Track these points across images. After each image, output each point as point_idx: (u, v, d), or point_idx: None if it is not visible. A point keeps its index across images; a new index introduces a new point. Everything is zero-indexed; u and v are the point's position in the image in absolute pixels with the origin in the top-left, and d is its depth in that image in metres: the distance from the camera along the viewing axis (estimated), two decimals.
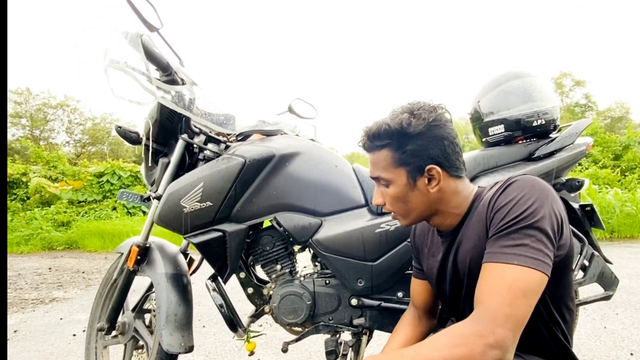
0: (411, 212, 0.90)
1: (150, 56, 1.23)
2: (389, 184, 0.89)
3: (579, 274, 1.37)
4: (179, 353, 1.31)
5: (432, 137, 0.85)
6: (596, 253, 1.38)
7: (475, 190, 0.91)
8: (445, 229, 0.93)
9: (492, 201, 0.81)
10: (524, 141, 1.40)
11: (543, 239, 0.73)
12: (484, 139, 1.46)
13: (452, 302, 0.96)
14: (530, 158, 1.38)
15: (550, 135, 1.42)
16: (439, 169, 0.85)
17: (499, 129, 1.39)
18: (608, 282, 1.39)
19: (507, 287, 0.69)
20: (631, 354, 1.97)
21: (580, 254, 1.36)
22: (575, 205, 1.40)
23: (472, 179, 1.36)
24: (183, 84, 1.34)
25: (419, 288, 1.08)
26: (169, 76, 1.31)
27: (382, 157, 0.88)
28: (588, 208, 1.42)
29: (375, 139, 0.88)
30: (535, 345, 0.83)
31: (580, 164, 9.21)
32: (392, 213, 0.93)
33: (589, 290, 1.48)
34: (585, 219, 1.42)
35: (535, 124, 1.36)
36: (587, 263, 1.37)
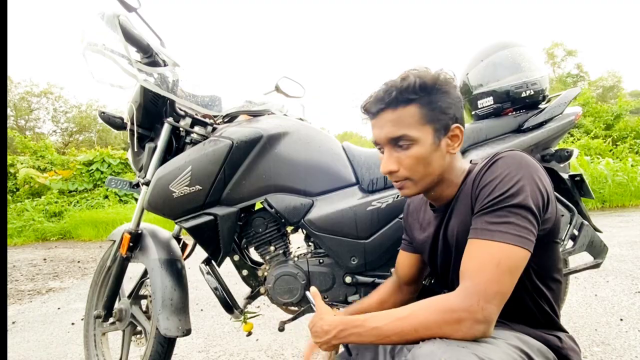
0: (427, 176, 0.85)
1: (130, 37, 1.19)
2: (412, 144, 0.82)
3: (568, 244, 1.39)
4: (177, 336, 1.32)
5: (455, 97, 0.85)
6: (585, 222, 1.39)
7: (469, 166, 0.91)
8: (440, 202, 0.93)
9: (478, 177, 0.81)
10: (514, 113, 1.40)
11: (528, 216, 0.74)
12: (473, 112, 1.45)
13: (442, 275, 0.98)
14: (519, 130, 1.38)
15: (540, 106, 1.41)
16: (462, 128, 0.86)
17: (488, 101, 1.38)
18: (597, 250, 1.41)
19: (495, 265, 0.71)
20: (621, 320, 2.03)
21: (570, 223, 1.37)
22: (565, 176, 1.41)
23: (463, 153, 1.35)
24: (165, 65, 1.30)
25: (405, 260, 1.10)
26: (150, 58, 1.28)
27: (410, 113, 0.81)
28: (577, 178, 1.43)
29: (407, 92, 0.80)
30: (521, 315, 0.84)
31: (571, 135, 9.27)
32: (401, 182, 0.87)
33: (579, 259, 1.51)
34: (574, 189, 1.43)
35: (524, 94, 1.35)
36: (576, 232, 1.39)
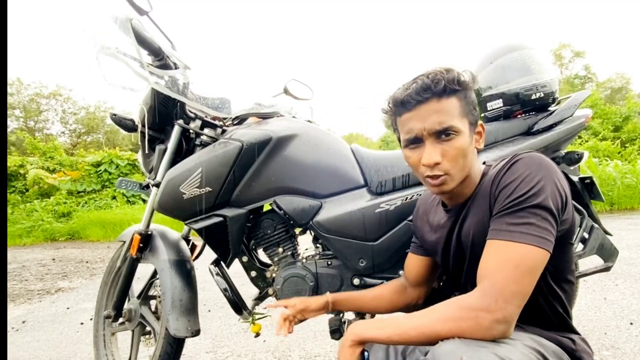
0: (464, 170, 0.84)
1: (142, 41, 1.20)
2: (456, 135, 0.81)
3: (578, 247, 1.38)
4: (186, 337, 1.33)
5: (474, 97, 0.88)
6: (596, 225, 1.38)
7: (483, 168, 0.91)
8: (455, 202, 0.93)
9: (498, 178, 0.81)
10: (523, 115, 1.39)
11: (548, 217, 0.73)
12: (482, 115, 1.45)
13: (454, 276, 0.98)
14: (529, 132, 1.37)
15: (549, 108, 1.40)
16: (484, 125, 0.88)
17: (498, 103, 1.38)
18: (608, 253, 1.40)
19: (515, 265, 0.70)
20: (631, 324, 2.00)
21: (580, 226, 1.36)
22: (575, 178, 1.40)
23: None
24: (176, 68, 1.32)
25: (414, 262, 1.11)
26: (162, 61, 1.29)
27: (453, 105, 0.81)
28: (587, 180, 1.42)
29: (453, 83, 0.80)
30: (535, 317, 0.84)
31: (580, 137, 9.19)
32: (441, 176, 0.83)
33: (589, 262, 1.50)
34: (584, 192, 1.42)
35: (533, 97, 1.34)
36: (586, 235, 1.38)
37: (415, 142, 0.85)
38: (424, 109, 0.81)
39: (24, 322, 2.83)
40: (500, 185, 0.80)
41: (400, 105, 0.85)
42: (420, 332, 0.73)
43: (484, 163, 0.94)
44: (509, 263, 0.71)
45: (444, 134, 0.81)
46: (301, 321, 1.19)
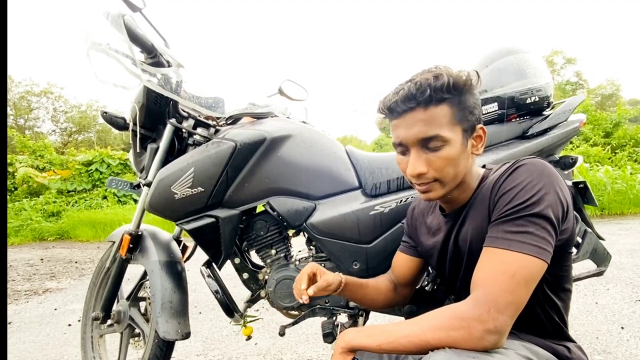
0: (455, 178, 0.82)
1: (134, 38, 1.18)
2: (444, 145, 0.78)
3: (572, 251, 1.38)
4: (176, 340, 1.30)
5: (478, 98, 0.83)
6: (589, 230, 1.38)
7: (483, 171, 0.89)
8: (452, 206, 0.91)
9: (498, 184, 0.79)
10: (518, 119, 1.39)
11: (547, 226, 0.71)
12: None
13: (450, 282, 0.96)
14: (524, 136, 1.37)
15: (544, 113, 1.40)
16: (485, 129, 0.84)
17: (493, 107, 1.37)
18: (601, 258, 1.40)
19: (511, 275, 0.69)
20: (622, 328, 2.02)
21: None
22: (569, 183, 1.40)
23: None
24: (169, 66, 1.30)
25: (403, 262, 1.10)
26: (154, 58, 1.27)
27: (442, 113, 0.77)
28: (581, 185, 1.42)
29: (441, 91, 0.76)
30: (530, 325, 0.83)
31: (571, 142, 9.28)
32: (428, 184, 0.82)
33: (581, 267, 1.50)
34: (578, 196, 1.42)
35: (529, 101, 1.34)
36: (580, 240, 1.38)
37: (402, 148, 0.84)
38: (410, 117, 0.79)
39: (10, 323, 2.77)
40: (500, 191, 0.77)
41: (388, 112, 0.83)
42: (410, 341, 0.70)
43: (483, 166, 0.92)
44: (505, 272, 0.69)
45: (429, 144, 0.79)
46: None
